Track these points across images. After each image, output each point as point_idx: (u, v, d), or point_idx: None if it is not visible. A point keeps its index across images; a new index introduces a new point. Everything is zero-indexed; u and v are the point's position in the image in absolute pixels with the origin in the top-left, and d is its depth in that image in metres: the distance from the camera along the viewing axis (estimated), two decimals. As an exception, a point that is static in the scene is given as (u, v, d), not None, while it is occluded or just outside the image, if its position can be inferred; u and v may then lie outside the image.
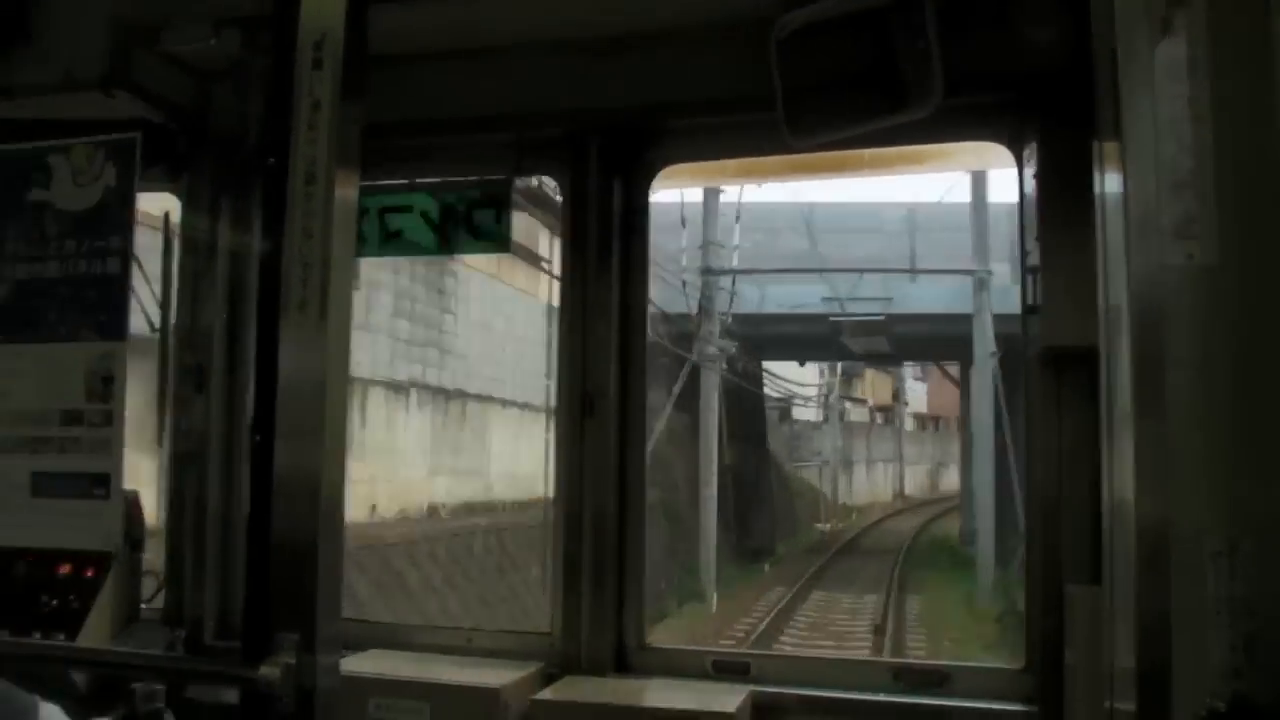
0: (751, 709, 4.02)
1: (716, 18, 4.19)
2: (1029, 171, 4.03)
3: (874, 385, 70.05)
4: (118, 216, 3.18)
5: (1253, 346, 2.14)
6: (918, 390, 73.23)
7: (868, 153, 4.43)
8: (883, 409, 72.91)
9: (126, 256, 3.17)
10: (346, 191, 2.51)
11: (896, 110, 3.75)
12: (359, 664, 4.16)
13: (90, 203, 3.20)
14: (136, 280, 4.09)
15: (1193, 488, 2.14)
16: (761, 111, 3.86)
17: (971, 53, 3.73)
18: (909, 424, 75.17)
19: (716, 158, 4.77)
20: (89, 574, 4.46)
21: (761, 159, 4.73)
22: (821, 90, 3.87)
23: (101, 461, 3.11)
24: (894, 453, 72.38)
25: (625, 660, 4.41)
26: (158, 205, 4.80)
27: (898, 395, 70.04)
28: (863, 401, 69.95)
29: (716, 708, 3.91)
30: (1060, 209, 3.80)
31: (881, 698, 4.13)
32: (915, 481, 74.94)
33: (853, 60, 3.81)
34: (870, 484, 68.09)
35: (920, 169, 4.79)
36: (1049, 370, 3.91)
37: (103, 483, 3.11)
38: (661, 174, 4.57)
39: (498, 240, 4.57)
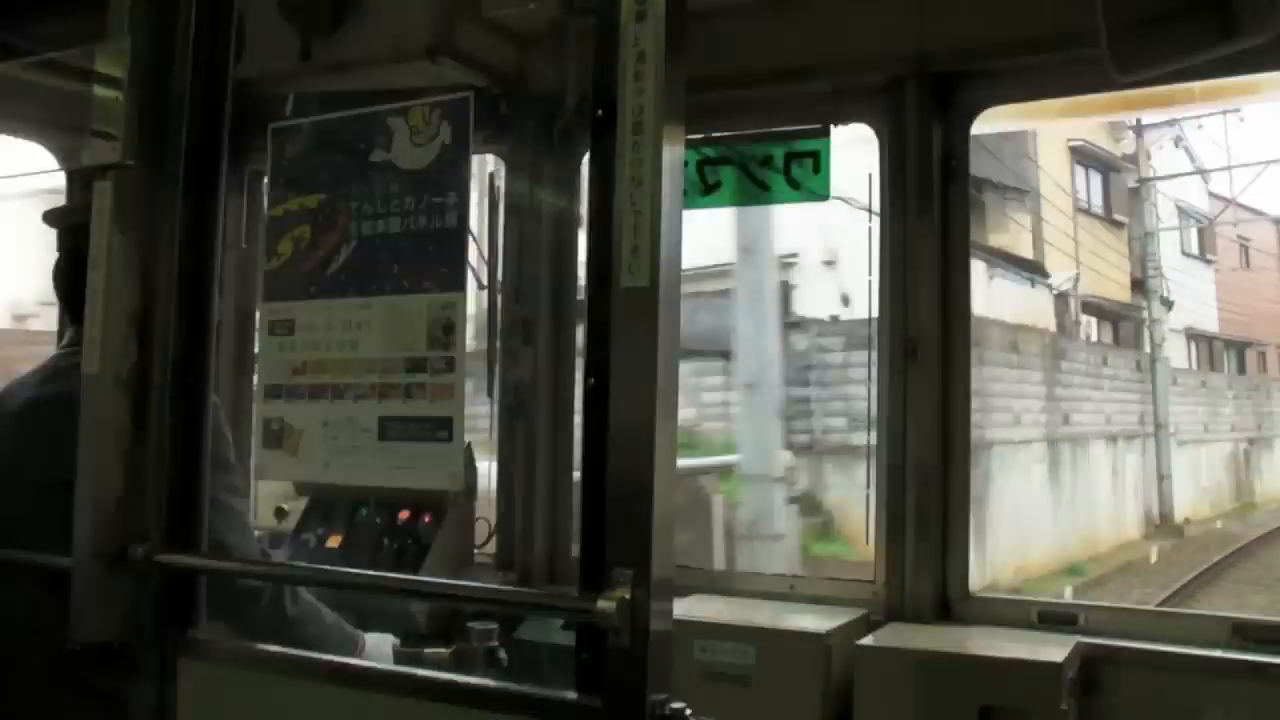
0: (1080, 660, 3.92)
1: (1034, -46, 4.09)
2: None
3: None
4: (454, 173, 3.31)
5: None
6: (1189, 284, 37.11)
7: (1199, 85, 4.24)
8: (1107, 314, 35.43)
9: (463, 211, 3.30)
10: (674, 142, 2.55)
11: (1230, 38, 3.58)
12: (685, 608, 4.25)
13: (427, 161, 3.34)
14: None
15: None
16: (1083, 48, 3.73)
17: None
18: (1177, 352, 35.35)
19: (1036, 98, 4.61)
20: (426, 520, 4.72)
21: (1085, 97, 4.55)
22: (1147, 22, 3.72)
23: (445, 406, 3.26)
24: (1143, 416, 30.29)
25: (949, 609, 4.38)
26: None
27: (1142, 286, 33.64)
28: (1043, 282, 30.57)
29: (1043, 657, 3.84)
30: None
31: (1219, 654, 3.97)
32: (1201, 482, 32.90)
33: (1181, -13, 3.65)
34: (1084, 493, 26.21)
35: (1257, 99, 4.56)
36: None
37: (446, 426, 3.26)
38: (980, 116, 4.49)
39: (817, 191, 4.58)
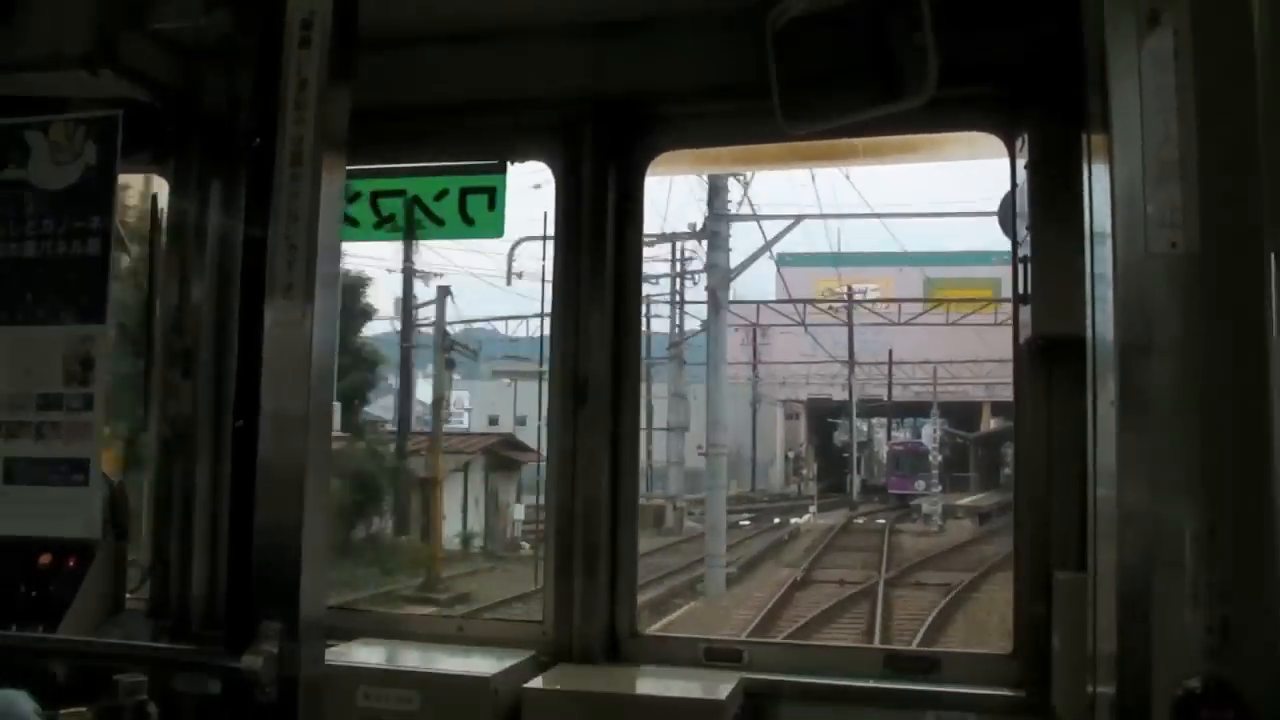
0: (744, 696, 4.00)
1: (714, 4, 4.19)
2: (1021, 162, 4.03)
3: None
4: (99, 196, 3.11)
5: (1233, 334, 2.18)
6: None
7: (862, 142, 4.42)
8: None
9: (107, 238, 3.10)
10: (334, 174, 2.48)
11: (892, 100, 3.72)
12: (348, 653, 4.13)
13: (69, 181, 3.13)
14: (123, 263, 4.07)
15: (1172, 473, 2.18)
16: (758, 99, 3.83)
17: (966, 43, 3.71)
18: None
19: (712, 144, 4.73)
20: (71, 564, 4.40)
21: (757, 146, 4.68)
22: (817, 78, 3.85)
23: (80, 447, 3.05)
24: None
25: (617, 648, 4.40)
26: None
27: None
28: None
29: (707, 695, 3.90)
30: (1051, 199, 3.79)
31: (872, 684, 4.13)
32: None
33: (849, 49, 3.79)
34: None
35: (914, 158, 4.78)
36: (1039, 359, 3.91)
37: (81, 469, 3.05)
38: (656, 160, 4.54)
39: (490, 226, 4.55)
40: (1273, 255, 2.07)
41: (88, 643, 3.90)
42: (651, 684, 4.18)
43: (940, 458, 65.24)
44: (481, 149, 4.62)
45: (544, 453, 4.63)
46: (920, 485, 58.54)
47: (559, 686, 4.10)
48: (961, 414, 72.73)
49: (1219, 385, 2.17)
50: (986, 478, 67.56)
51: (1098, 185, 2.62)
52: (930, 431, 68.40)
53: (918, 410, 73.09)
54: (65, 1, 4.10)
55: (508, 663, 4.12)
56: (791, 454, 75.76)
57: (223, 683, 2.47)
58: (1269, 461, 2.11)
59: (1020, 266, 3.98)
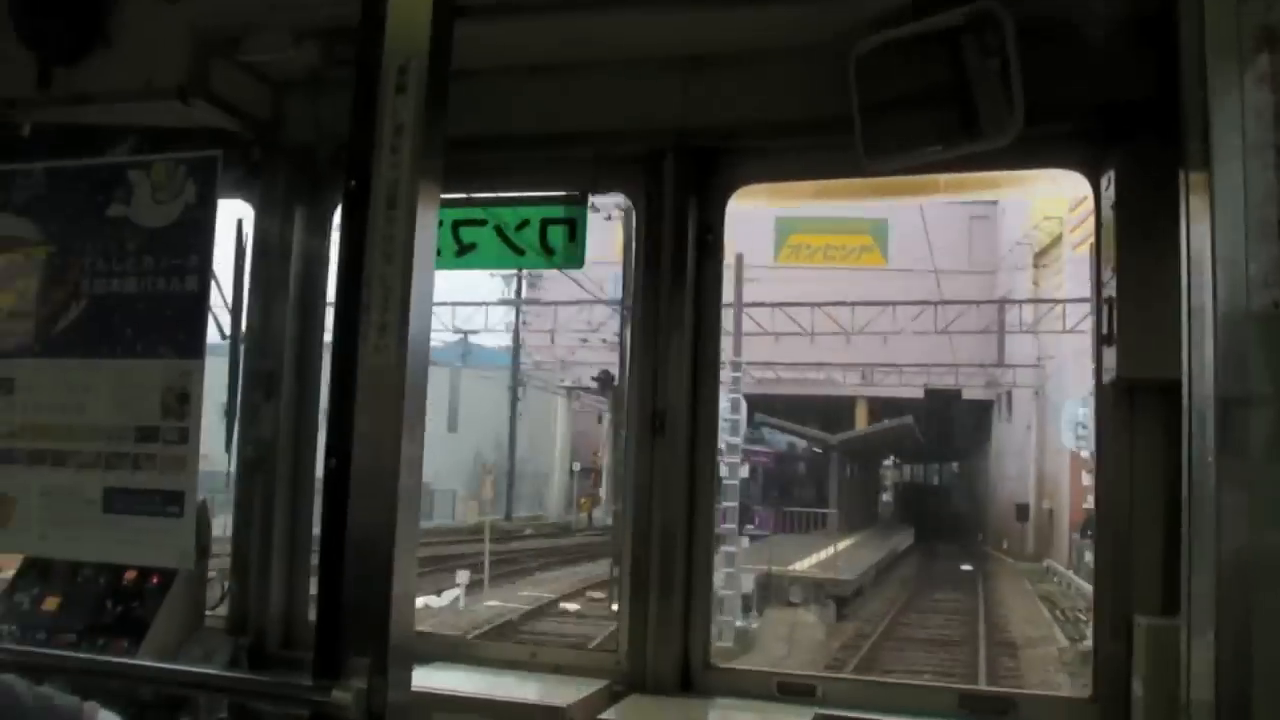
0: None
1: (795, 39, 4.18)
2: (1106, 200, 3.99)
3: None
4: (197, 234, 3.18)
5: None
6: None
7: (943, 178, 4.41)
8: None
9: (205, 275, 3.17)
10: (428, 216, 2.51)
11: (974, 138, 3.72)
12: (423, 678, 4.14)
13: (169, 219, 3.20)
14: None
15: (1272, 524, 2.14)
16: (838, 134, 3.84)
17: (1052, 80, 3.69)
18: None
19: (792, 179, 4.72)
20: (155, 580, 4.49)
21: (837, 181, 4.67)
22: (898, 115, 3.85)
23: (176, 479, 3.11)
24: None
25: (690, 679, 4.39)
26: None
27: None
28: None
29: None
30: (1137, 240, 3.76)
31: (946, 722, 4.08)
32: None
33: (931, 85, 3.79)
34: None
35: (996, 193, 4.77)
36: (1123, 401, 3.88)
37: (176, 500, 3.12)
38: (737, 193, 4.55)
39: (571, 258, 4.58)
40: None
41: (181, 672, 3.96)
42: (725, 716, 4.17)
43: (760, 478, 50.37)
44: (562, 180, 4.65)
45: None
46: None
47: (632, 717, 4.09)
48: (828, 412, 55.76)
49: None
50: (854, 510, 52.86)
51: (1195, 232, 2.60)
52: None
53: (766, 406, 48.77)
54: (159, 32, 4.17)
55: (583, 692, 4.14)
56: (578, 466, 59.52)
57: (311, 714, 2.49)
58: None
59: (1105, 307, 3.95)
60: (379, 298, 2.44)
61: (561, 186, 4.64)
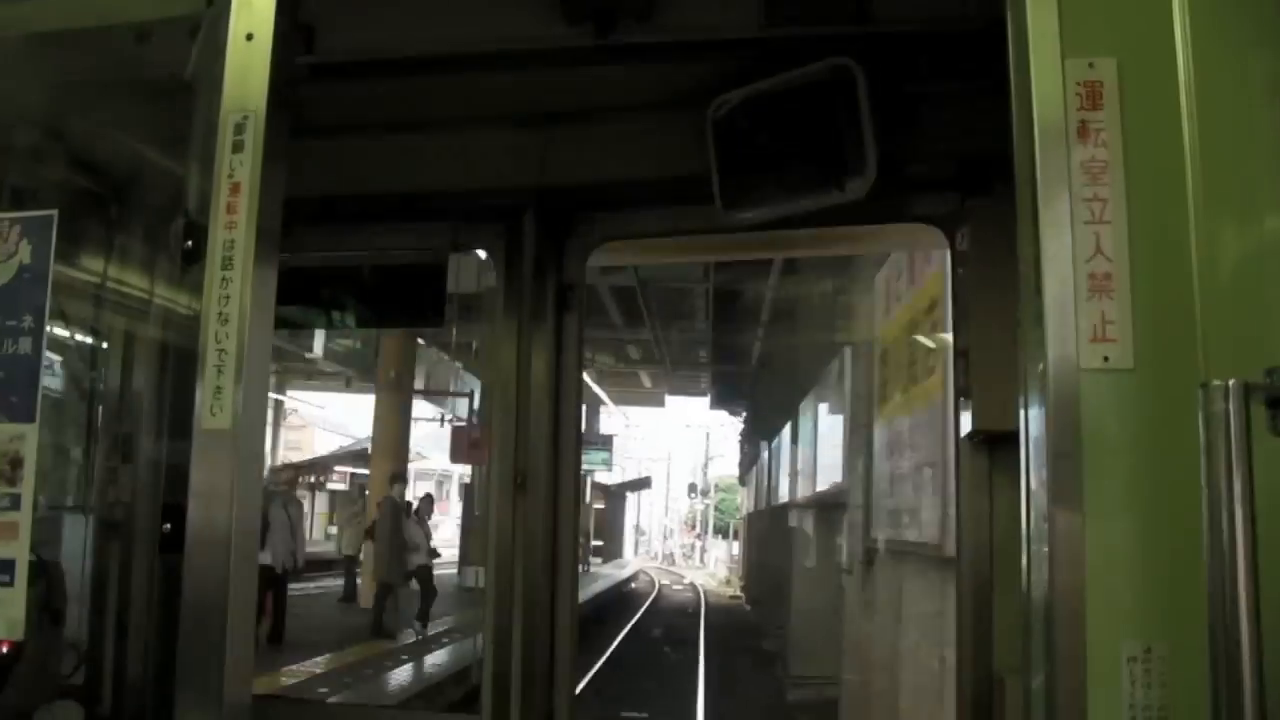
0: None
1: (655, 96, 4.20)
2: (960, 255, 4.04)
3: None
4: (32, 295, 3.07)
5: (1168, 447, 2.14)
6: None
7: (804, 233, 4.44)
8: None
9: (39, 337, 3.06)
10: (267, 278, 2.47)
11: (832, 191, 3.77)
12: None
13: (3, 280, 3.09)
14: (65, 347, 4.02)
15: (1107, 587, 2.14)
16: (698, 189, 3.86)
17: (907, 135, 3.76)
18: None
19: (653, 235, 4.72)
20: (3, 649, 4.33)
21: (699, 238, 4.69)
22: (757, 170, 3.89)
23: (6, 547, 3.00)
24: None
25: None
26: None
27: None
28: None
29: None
30: (990, 293, 3.79)
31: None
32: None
33: (789, 140, 3.83)
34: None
35: (856, 249, 4.82)
36: (980, 453, 3.91)
37: (7, 569, 3.00)
38: (597, 250, 4.55)
39: (430, 315, 4.54)
40: (1204, 380, 2.04)
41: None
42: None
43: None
44: (423, 239, 4.62)
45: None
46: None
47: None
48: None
49: (1154, 497, 2.15)
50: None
51: (1027, 289, 2.63)
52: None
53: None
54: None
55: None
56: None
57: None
58: (1202, 584, 2.05)
59: (960, 360, 3.99)
60: (214, 361, 2.40)
61: (422, 245, 4.61)
